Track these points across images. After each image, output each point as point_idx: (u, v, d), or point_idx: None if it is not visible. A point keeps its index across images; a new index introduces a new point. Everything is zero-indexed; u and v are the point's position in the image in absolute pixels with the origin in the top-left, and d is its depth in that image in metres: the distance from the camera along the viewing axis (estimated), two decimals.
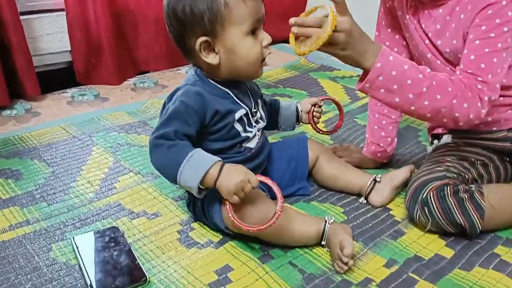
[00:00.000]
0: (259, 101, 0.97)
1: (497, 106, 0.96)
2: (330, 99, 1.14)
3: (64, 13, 1.64)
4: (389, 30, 1.08)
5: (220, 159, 0.80)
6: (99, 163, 1.18)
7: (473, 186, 0.89)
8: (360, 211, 0.99)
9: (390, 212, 0.98)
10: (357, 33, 0.80)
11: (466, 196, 0.86)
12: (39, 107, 1.55)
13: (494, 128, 1.00)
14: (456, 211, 0.85)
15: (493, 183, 0.99)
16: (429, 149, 1.12)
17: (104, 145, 1.28)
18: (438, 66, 0.97)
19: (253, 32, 0.83)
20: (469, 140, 1.03)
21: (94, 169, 1.16)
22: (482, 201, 0.86)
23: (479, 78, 0.84)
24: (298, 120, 1.08)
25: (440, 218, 0.86)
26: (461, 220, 0.85)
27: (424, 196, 0.87)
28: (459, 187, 0.87)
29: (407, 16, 0.99)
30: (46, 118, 1.46)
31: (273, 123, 1.06)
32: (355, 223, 0.95)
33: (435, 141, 1.12)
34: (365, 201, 1.01)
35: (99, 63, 1.72)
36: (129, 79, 1.81)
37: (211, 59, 0.84)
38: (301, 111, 1.07)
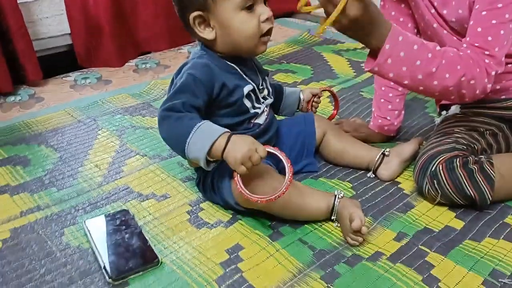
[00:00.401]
0: (266, 78, 0.96)
1: (505, 73, 0.94)
2: (327, 90, 1.15)
3: None
4: None
5: (228, 130, 0.79)
6: (106, 146, 1.19)
7: (482, 156, 0.88)
8: (368, 186, 0.99)
9: (399, 186, 0.98)
10: (367, 18, 0.75)
11: (476, 168, 0.85)
12: (42, 92, 1.54)
13: (503, 96, 0.98)
14: (466, 183, 0.85)
15: (502, 152, 0.98)
16: (437, 120, 1.11)
17: (110, 128, 1.28)
18: (445, 35, 0.95)
19: (249, 7, 0.82)
20: (478, 110, 1.01)
21: (101, 153, 1.16)
22: (492, 171, 0.85)
23: (486, 52, 0.82)
24: (298, 107, 1.08)
25: (450, 190, 0.86)
26: (471, 192, 0.85)
27: (433, 169, 0.87)
28: (468, 158, 0.86)
29: None
30: (50, 103, 1.46)
31: (274, 108, 1.05)
32: (364, 198, 0.95)
33: (443, 112, 1.11)
34: (374, 176, 1.01)
35: (100, 45, 1.70)
36: (131, 61, 1.79)
37: (206, 34, 0.84)
38: (303, 100, 1.07)
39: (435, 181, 0.87)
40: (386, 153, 0.99)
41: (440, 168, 0.86)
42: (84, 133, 1.26)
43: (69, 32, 1.67)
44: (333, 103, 1.20)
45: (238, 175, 0.79)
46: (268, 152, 0.80)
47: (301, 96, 1.07)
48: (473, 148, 0.92)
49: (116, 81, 1.63)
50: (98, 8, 1.64)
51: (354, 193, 0.97)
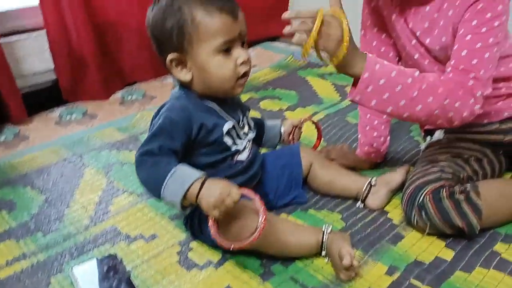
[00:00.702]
0: (247, 112, 0.96)
1: (487, 98, 0.96)
2: (310, 120, 1.16)
3: (45, 31, 1.61)
4: (375, 29, 1.07)
5: (203, 173, 0.78)
6: (92, 185, 1.17)
7: (468, 185, 0.88)
8: (358, 216, 0.99)
9: (387, 215, 0.98)
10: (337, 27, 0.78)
11: (463, 197, 0.85)
12: (27, 130, 1.53)
13: (485, 121, 0.99)
14: (454, 214, 0.85)
15: (488, 177, 0.99)
16: (422, 146, 1.12)
17: (96, 165, 1.27)
18: (426, 65, 0.96)
19: (226, 50, 0.83)
20: (461, 134, 1.03)
21: (87, 192, 1.14)
22: (478, 201, 0.85)
23: (471, 75, 0.83)
24: (280, 140, 1.09)
25: (438, 221, 0.86)
26: (459, 222, 0.85)
27: (421, 200, 0.87)
28: (454, 188, 0.87)
29: (394, 16, 0.98)
30: (36, 141, 1.45)
31: (256, 142, 1.05)
32: (353, 229, 0.95)
33: (428, 138, 1.12)
34: (362, 205, 1.01)
35: (84, 79, 1.69)
36: (117, 92, 1.79)
37: (183, 75, 0.85)
38: (284, 132, 1.08)
39: (423, 212, 0.87)
40: (373, 183, 1.00)
41: (428, 199, 0.86)
42: (70, 172, 1.25)
43: (53, 67, 1.66)
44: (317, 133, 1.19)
45: (212, 220, 0.78)
46: (243, 194, 0.79)
47: (282, 130, 1.07)
48: (458, 177, 0.92)
49: (102, 114, 1.62)
50: (82, 42, 1.64)
51: (344, 224, 0.96)
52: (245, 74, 0.85)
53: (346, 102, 1.56)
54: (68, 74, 1.67)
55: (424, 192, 0.87)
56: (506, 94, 0.97)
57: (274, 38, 2.26)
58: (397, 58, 1.08)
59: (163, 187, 0.77)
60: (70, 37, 1.63)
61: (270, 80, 1.82)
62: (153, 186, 0.80)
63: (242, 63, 0.83)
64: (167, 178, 0.77)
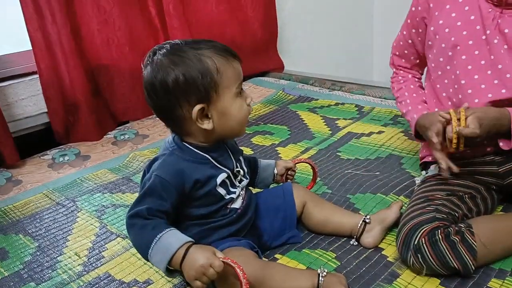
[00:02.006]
0: (240, 158, 0.97)
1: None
2: (305, 162, 1.17)
3: (38, 76, 1.63)
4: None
5: (189, 240, 0.79)
6: (85, 230, 1.17)
7: (463, 225, 0.89)
8: (352, 254, 0.98)
9: (382, 253, 0.98)
10: (487, 122, 0.88)
11: (458, 239, 0.86)
12: (20, 174, 1.52)
13: (478, 151, 1.02)
14: (450, 255, 0.85)
15: (481, 214, 0.99)
16: (418, 180, 1.13)
17: (89, 209, 1.26)
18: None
19: (240, 92, 0.87)
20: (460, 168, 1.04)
21: (80, 238, 1.14)
22: (473, 241, 0.86)
23: None
24: (273, 180, 1.10)
25: (434, 263, 0.86)
26: (455, 264, 0.85)
27: (416, 242, 0.87)
28: (449, 229, 0.87)
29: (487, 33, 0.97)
30: (28, 186, 1.44)
31: (250, 181, 1.06)
32: (348, 268, 0.94)
33: (423, 172, 1.13)
34: (357, 243, 1.01)
35: (77, 121, 1.71)
36: (109, 133, 1.80)
37: (206, 125, 0.85)
38: (276, 174, 1.09)
39: (419, 255, 0.87)
40: (367, 220, 1.00)
41: (423, 242, 0.86)
42: (63, 217, 1.24)
43: (46, 111, 1.68)
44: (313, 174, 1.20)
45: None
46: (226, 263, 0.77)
47: (275, 171, 1.09)
48: (453, 216, 0.93)
49: (95, 156, 1.62)
50: (74, 85, 1.66)
51: (339, 263, 0.96)
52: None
53: (337, 135, 1.57)
54: (60, 117, 1.69)
55: (420, 234, 0.87)
56: None
57: (263, 74, 2.30)
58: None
59: (149, 254, 0.79)
60: (62, 81, 1.66)
61: (262, 115, 1.85)
62: (141, 251, 0.81)
63: (249, 103, 0.88)
64: (152, 244, 0.78)
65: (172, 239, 0.78)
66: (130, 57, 1.79)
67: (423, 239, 0.86)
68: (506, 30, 0.94)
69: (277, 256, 1.00)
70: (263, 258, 0.98)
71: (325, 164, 1.38)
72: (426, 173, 1.11)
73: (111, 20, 1.74)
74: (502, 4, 0.94)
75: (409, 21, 1.13)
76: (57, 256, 1.07)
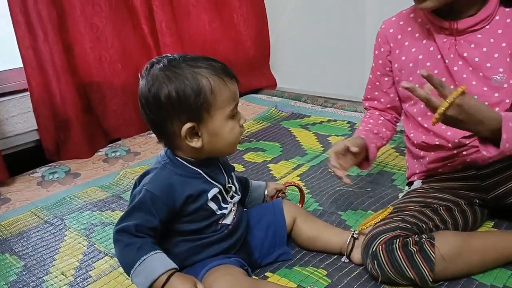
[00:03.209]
0: (232, 174, 0.96)
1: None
2: (293, 185, 1.18)
3: (28, 93, 1.63)
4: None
5: (172, 267, 0.79)
6: (73, 249, 1.15)
7: (424, 236, 0.88)
8: (343, 272, 0.97)
9: None
10: (472, 109, 0.82)
11: (415, 249, 0.85)
12: (8, 191, 1.50)
13: (460, 166, 1.02)
14: (405, 265, 0.85)
15: (459, 227, 0.98)
16: (400, 195, 1.13)
17: (77, 227, 1.24)
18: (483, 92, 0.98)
19: (234, 114, 0.86)
20: (439, 183, 1.04)
21: (67, 257, 1.12)
22: (432, 253, 0.85)
23: None
24: (264, 201, 1.09)
25: (390, 271, 0.86)
26: (411, 274, 0.85)
27: (373, 250, 0.88)
28: (408, 239, 0.86)
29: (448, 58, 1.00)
30: (17, 204, 1.42)
31: (240, 201, 1.05)
32: (339, 286, 0.92)
33: (406, 187, 1.13)
34: (348, 260, 1.00)
35: (68, 138, 1.70)
36: (100, 150, 1.79)
37: (194, 143, 0.84)
38: (267, 195, 1.09)
39: (375, 262, 0.87)
40: (355, 235, 0.99)
41: (380, 249, 0.87)
42: (51, 236, 1.22)
43: (37, 128, 1.67)
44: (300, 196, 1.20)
45: None
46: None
47: (266, 192, 1.08)
48: (420, 227, 0.92)
49: (85, 173, 1.61)
50: (66, 102, 1.66)
51: (329, 281, 0.94)
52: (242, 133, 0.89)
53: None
54: (51, 134, 1.68)
55: (378, 242, 0.88)
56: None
57: (256, 91, 2.31)
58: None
59: (131, 274, 0.78)
60: (53, 98, 1.65)
61: (254, 132, 1.84)
62: (125, 269, 0.81)
63: (242, 125, 0.88)
64: (136, 265, 0.78)
65: (156, 263, 0.78)
66: (122, 74, 1.80)
67: (380, 247, 0.87)
68: (465, 54, 0.99)
69: (267, 274, 0.98)
70: (254, 276, 0.96)
71: (317, 181, 1.37)
72: (409, 188, 1.11)
73: (104, 38, 1.75)
74: (454, 33, 0.99)
75: (373, 64, 1.18)
76: (43, 276, 1.05)
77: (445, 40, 1.01)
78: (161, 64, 0.83)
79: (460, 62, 0.99)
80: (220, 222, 0.89)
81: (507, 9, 0.96)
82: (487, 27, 0.97)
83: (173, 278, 0.77)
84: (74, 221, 1.28)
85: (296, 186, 1.18)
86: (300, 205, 1.16)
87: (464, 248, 0.88)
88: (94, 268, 1.06)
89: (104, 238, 1.18)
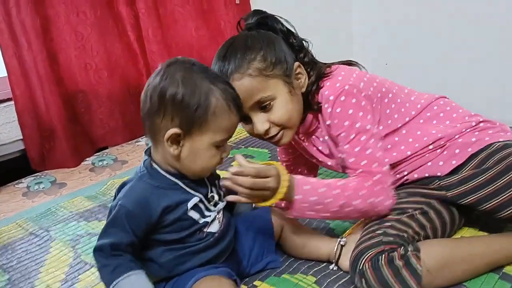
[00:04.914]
0: (216, 182, 0.95)
1: (414, 156, 1.03)
2: None
3: (13, 102, 1.61)
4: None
5: None
6: (58, 261, 1.13)
7: (410, 248, 0.87)
8: (332, 278, 0.97)
9: None
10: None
11: (401, 263, 0.85)
12: None
13: (426, 174, 1.03)
14: (393, 281, 0.84)
15: (438, 230, 0.98)
16: None
17: (63, 238, 1.22)
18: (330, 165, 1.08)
19: (220, 145, 0.85)
20: (411, 189, 1.04)
21: (53, 269, 1.10)
22: (418, 265, 0.85)
23: (371, 171, 0.94)
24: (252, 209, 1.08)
25: None
26: None
27: (361, 267, 0.87)
28: (394, 253, 0.86)
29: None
30: (1, 216, 1.40)
31: (229, 208, 1.04)
32: None
33: None
34: (336, 267, 0.99)
35: (53, 148, 1.68)
36: (87, 159, 1.77)
37: (172, 149, 0.82)
38: (254, 206, 1.07)
39: (363, 280, 0.87)
40: (342, 242, 0.99)
41: (367, 267, 0.86)
42: (36, 248, 1.20)
43: (21, 137, 1.64)
44: None
45: None
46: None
47: (253, 204, 1.06)
48: (402, 237, 0.92)
49: (71, 183, 1.59)
50: (50, 111, 1.64)
51: None
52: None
53: None
54: (36, 144, 1.65)
55: (364, 259, 0.87)
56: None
57: None
58: None
59: None
60: (38, 107, 1.63)
61: (243, 138, 1.84)
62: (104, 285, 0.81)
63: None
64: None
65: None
66: (108, 82, 1.78)
67: (366, 264, 0.87)
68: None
69: (256, 283, 0.97)
70: (242, 286, 0.95)
71: None
72: None
73: (89, 46, 1.73)
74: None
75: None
76: None
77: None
78: (184, 66, 0.83)
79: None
80: (205, 230, 0.88)
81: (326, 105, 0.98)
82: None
83: None
84: (59, 232, 1.26)
85: None
86: None
87: (450, 259, 0.88)
88: (80, 280, 1.04)
89: (91, 249, 1.14)
